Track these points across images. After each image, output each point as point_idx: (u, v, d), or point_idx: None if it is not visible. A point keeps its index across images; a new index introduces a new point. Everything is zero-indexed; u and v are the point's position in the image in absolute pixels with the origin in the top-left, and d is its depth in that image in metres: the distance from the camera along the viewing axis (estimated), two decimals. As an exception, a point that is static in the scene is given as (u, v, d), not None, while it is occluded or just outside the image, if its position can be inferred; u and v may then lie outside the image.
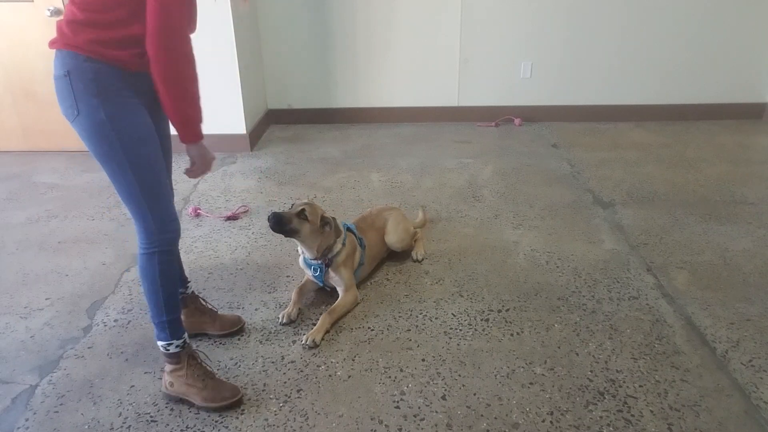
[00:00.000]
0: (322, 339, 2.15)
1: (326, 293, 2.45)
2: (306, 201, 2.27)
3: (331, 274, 2.32)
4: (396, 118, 5.03)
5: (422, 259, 2.72)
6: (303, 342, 2.13)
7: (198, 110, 1.82)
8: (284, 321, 2.26)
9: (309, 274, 2.38)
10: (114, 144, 1.69)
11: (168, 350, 1.83)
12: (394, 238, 2.66)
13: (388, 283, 2.56)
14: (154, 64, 1.64)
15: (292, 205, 2.28)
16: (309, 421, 1.80)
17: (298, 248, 2.36)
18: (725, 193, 3.43)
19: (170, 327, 1.81)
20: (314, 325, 2.22)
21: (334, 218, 2.28)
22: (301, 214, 2.18)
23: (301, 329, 2.24)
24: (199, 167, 1.85)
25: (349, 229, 2.44)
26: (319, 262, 2.30)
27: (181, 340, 1.84)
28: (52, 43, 1.67)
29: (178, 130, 1.78)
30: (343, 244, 2.34)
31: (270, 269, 2.70)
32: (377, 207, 2.84)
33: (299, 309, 2.33)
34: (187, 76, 1.83)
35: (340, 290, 2.35)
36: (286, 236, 2.23)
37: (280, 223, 2.17)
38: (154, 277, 1.77)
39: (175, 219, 1.80)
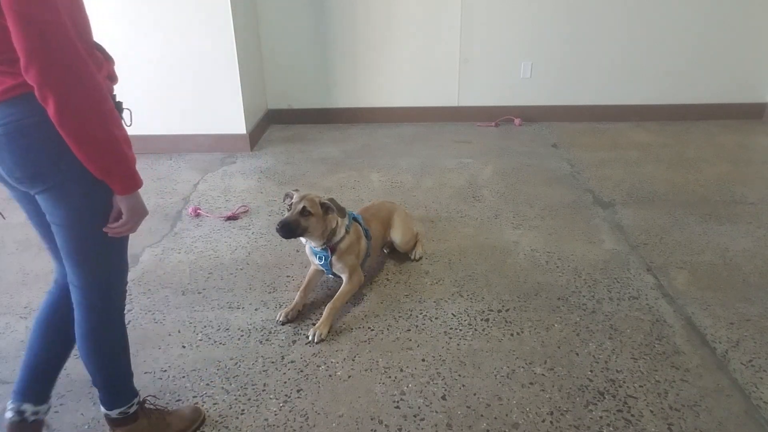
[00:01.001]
0: (329, 332, 2.20)
1: (329, 293, 2.45)
2: (301, 194, 2.23)
3: (335, 261, 2.34)
4: (396, 118, 5.03)
5: (420, 258, 2.73)
6: (310, 338, 2.16)
7: (120, 158, 1.32)
8: (281, 319, 2.27)
9: (315, 262, 2.39)
10: (99, 205, 1.40)
11: (128, 413, 1.63)
12: (399, 237, 2.68)
13: (388, 283, 2.56)
14: (41, 99, 1.18)
15: (285, 198, 2.29)
16: (309, 421, 1.80)
17: (302, 239, 2.35)
18: (725, 193, 3.43)
19: (131, 382, 1.66)
20: (314, 324, 2.22)
21: (331, 199, 2.27)
22: (304, 212, 2.18)
23: (301, 329, 2.24)
24: (125, 223, 1.42)
25: (355, 219, 2.45)
26: (324, 248, 2.31)
27: (137, 394, 1.68)
28: (6, 92, 1.23)
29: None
30: (347, 231, 2.35)
31: (270, 269, 2.69)
32: (378, 200, 2.86)
33: (299, 311, 2.32)
34: (89, 112, 1.23)
35: (344, 276, 2.37)
36: (295, 237, 2.24)
37: (292, 231, 2.18)
38: (122, 340, 1.59)
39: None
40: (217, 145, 4.36)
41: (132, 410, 1.64)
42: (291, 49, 4.81)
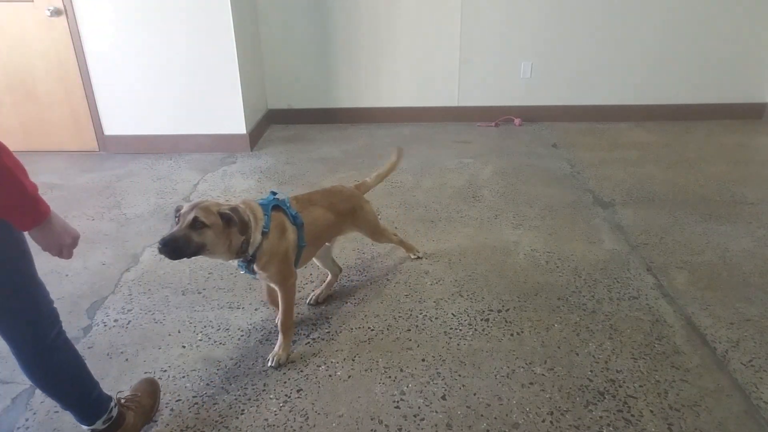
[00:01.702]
0: (288, 357, 2.07)
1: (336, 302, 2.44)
2: (194, 203, 1.79)
3: (258, 270, 1.95)
4: (396, 118, 5.03)
5: (421, 256, 2.73)
6: (269, 363, 2.03)
7: (16, 190, 1.21)
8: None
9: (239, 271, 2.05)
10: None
11: (112, 417, 1.63)
12: (370, 235, 2.51)
13: (388, 283, 2.56)
14: None
15: (176, 213, 1.80)
16: (309, 421, 1.80)
17: (210, 259, 1.96)
18: (725, 193, 3.43)
19: (99, 391, 1.63)
20: (312, 324, 2.22)
21: (235, 208, 1.82)
22: (196, 224, 1.73)
23: (301, 329, 2.24)
24: (52, 250, 1.35)
25: (276, 207, 2.01)
26: (241, 262, 1.95)
27: (113, 399, 1.67)
28: None
29: None
30: (265, 231, 1.92)
31: (270, 269, 2.69)
32: (349, 190, 2.40)
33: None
34: None
35: (275, 286, 2.06)
36: (191, 257, 1.77)
37: (179, 250, 1.71)
38: (73, 357, 1.54)
39: None
40: (217, 145, 4.36)
41: (115, 413, 1.64)
42: (291, 49, 4.81)
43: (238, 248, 1.86)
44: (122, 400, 1.73)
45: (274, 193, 2.07)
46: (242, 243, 1.85)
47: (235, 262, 1.98)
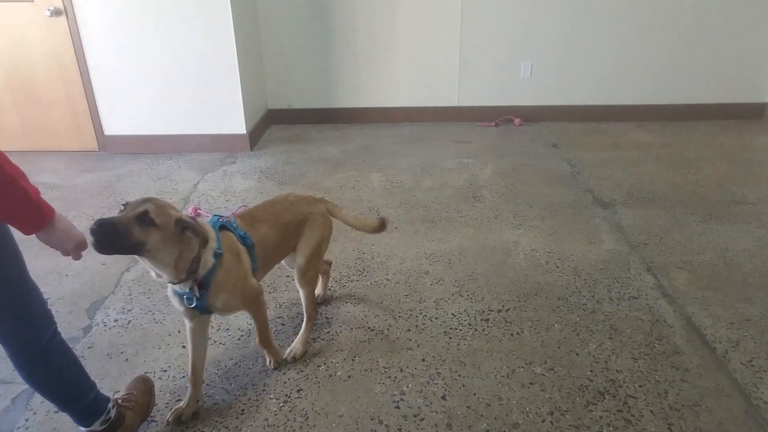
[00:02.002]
0: (285, 360, 2.03)
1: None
2: (148, 197, 1.56)
3: (213, 301, 1.68)
4: (396, 118, 5.03)
5: (295, 359, 2.07)
6: (271, 367, 2.01)
7: (18, 198, 1.26)
8: (171, 419, 1.80)
9: (179, 305, 1.72)
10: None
11: (110, 418, 1.63)
12: (302, 258, 2.01)
13: (388, 283, 2.56)
14: None
15: (124, 206, 1.52)
16: (309, 421, 1.80)
17: (151, 272, 1.60)
18: (725, 193, 3.43)
19: (96, 392, 1.62)
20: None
21: (193, 217, 1.61)
22: (144, 219, 1.47)
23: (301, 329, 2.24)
24: (58, 250, 1.39)
25: (224, 227, 1.80)
26: (189, 289, 1.64)
27: (110, 400, 1.66)
28: None
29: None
30: (217, 255, 1.67)
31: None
32: (295, 194, 2.09)
33: (197, 401, 1.84)
34: None
35: (247, 311, 1.86)
36: (125, 254, 1.50)
37: (114, 240, 1.43)
38: (68, 358, 1.54)
39: None
40: (217, 145, 4.36)
41: (113, 414, 1.64)
42: (291, 49, 4.81)
43: (186, 267, 1.58)
44: (120, 400, 1.73)
45: (218, 215, 1.87)
46: (192, 262, 1.60)
47: (171, 294, 1.69)
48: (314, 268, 2.07)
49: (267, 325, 1.96)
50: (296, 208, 2.01)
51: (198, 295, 1.65)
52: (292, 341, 2.13)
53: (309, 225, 2.03)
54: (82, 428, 1.62)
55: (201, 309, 1.70)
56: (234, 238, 1.79)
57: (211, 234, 1.69)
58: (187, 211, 3.29)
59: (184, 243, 1.56)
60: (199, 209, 3.29)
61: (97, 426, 1.61)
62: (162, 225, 1.49)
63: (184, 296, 1.66)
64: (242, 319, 2.31)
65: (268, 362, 2.03)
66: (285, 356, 2.07)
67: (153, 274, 1.60)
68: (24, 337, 1.44)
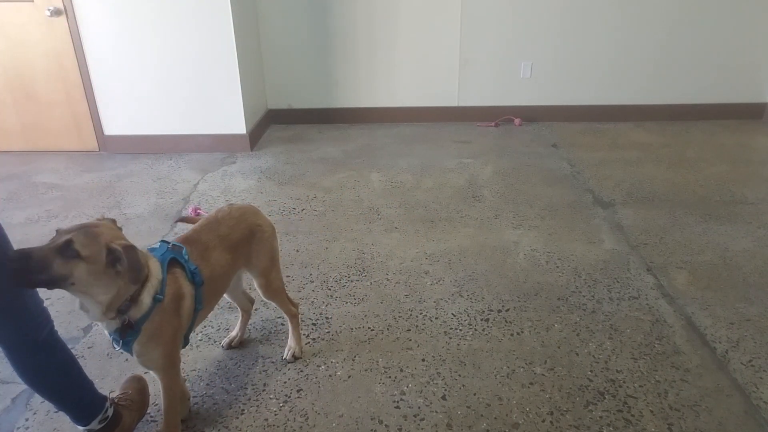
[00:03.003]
0: None
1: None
2: (80, 225, 1.38)
3: (139, 349, 1.49)
4: (396, 118, 5.03)
5: (295, 359, 2.06)
6: None
7: None
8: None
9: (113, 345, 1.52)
10: None
11: (108, 416, 1.62)
12: (260, 276, 1.86)
13: (388, 283, 2.56)
14: None
15: (57, 232, 1.37)
16: (309, 421, 1.80)
17: (76, 303, 1.43)
18: (725, 193, 3.43)
19: (94, 391, 1.61)
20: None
21: (132, 247, 1.40)
22: (67, 250, 1.30)
23: (301, 329, 2.24)
24: None
25: (174, 261, 1.57)
26: (114, 330, 1.45)
27: (108, 399, 1.66)
28: None
29: None
30: (158, 299, 1.47)
31: (270, 269, 2.69)
32: (237, 206, 1.86)
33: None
34: None
35: (157, 375, 1.60)
36: (48, 288, 1.34)
37: (30, 270, 1.28)
38: (65, 357, 1.52)
39: None
40: (217, 145, 4.36)
41: (111, 413, 1.64)
42: (291, 49, 4.81)
43: (118, 305, 1.40)
44: (116, 400, 1.73)
45: (166, 243, 1.61)
46: (126, 301, 1.41)
47: (103, 328, 1.49)
48: (276, 280, 1.92)
49: (176, 406, 1.64)
50: (243, 223, 1.80)
51: (122, 340, 1.46)
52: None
53: (258, 239, 1.83)
54: (80, 427, 1.62)
55: (128, 351, 1.50)
56: (182, 278, 1.56)
57: (155, 271, 1.49)
58: (188, 211, 3.29)
59: (118, 276, 1.37)
60: (199, 209, 3.28)
61: (95, 425, 1.61)
62: (89, 257, 1.32)
63: (112, 337, 1.47)
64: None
65: None
66: (284, 356, 2.06)
67: (77, 304, 1.42)
68: (20, 336, 1.44)
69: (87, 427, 1.61)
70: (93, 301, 1.38)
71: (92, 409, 1.60)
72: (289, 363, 2.05)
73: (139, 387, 1.84)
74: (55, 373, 1.52)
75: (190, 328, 1.65)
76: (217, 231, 1.74)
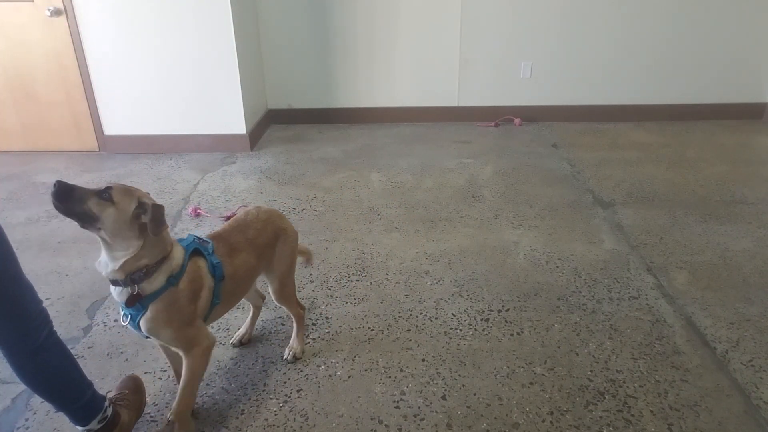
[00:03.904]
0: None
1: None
2: (117, 182, 1.54)
3: (143, 324, 1.54)
4: (396, 118, 5.03)
5: (295, 359, 2.05)
6: None
7: None
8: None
9: (121, 320, 1.60)
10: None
11: (107, 416, 1.62)
12: (276, 281, 1.91)
13: (388, 283, 2.56)
14: None
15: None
16: (309, 421, 1.80)
17: (98, 261, 1.53)
18: (725, 193, 3.43)
19: (93, 391, 1.61)
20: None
21: (160, 206, 1.50)
22: (103, 194, 1.44)
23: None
24: None
25: (197, 252, 1.64)
26: (125, 303, 1.52)
27: (104, 398, 1.66)
28: None
29: None
30: (171, 281, 1.53)
31: (270, 269, 2.69)
32: (264, 209, 1.91)
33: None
34: None
35: (178, 350, 1.64)
36: (80, 224, 1.46)
37: (68, 200, 1.41)
38: (64, 358, 1.53)
39: None
40: (217, 145, 4.36)
41: (110, 413, 1.64)
42: (291, 49, 4.81)
43: (132, 270, 1.48)
44: (114, 399, 1.73)
45: (195, 236, 1.69)
46: (144, 268, 1.49)
47: (115, 297, 1.55)
48: (290, 285, 1.96)
49: (194, 386, 1.66)
50: (270, 226, 1.86)
51: (127, 312, 1.53)
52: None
53: (282, 241, 1.89)
54: (79, 427, 1.62)
55: (137, 330, 1.57)
56: (203, 268, 1.63)
57: (176, 255, 1.56)
58: (188, 211, 3.29)
59: (145, 240, 1.47)
60: (199, 209, 3.29)
61: (94, 425, 1.61)
62: (119, 204, 1.44)
63: (123, 310, 1.55)
64: (242, 319, 2.31)
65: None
66: (285, 356, 2.06)
67: (98, 260, 1.52)
68: (19, 336, 1.44)
69: (86, 428, 1.61)
70: (112, 254, 1.47)
71: (91, 409, 1.60)
72: (289, 363, 2.05)
73: (135, 386, 1.84)
74: (54, 374, 1.52)
75: (205, 318, 1.68)
76: (246, 234, 1.80)
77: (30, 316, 1.45)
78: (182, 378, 1.64)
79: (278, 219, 1.91)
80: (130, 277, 1.48)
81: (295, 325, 2.08)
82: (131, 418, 1.73)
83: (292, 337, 2.10)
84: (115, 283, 1.51)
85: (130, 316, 1.54)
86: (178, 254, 1.57)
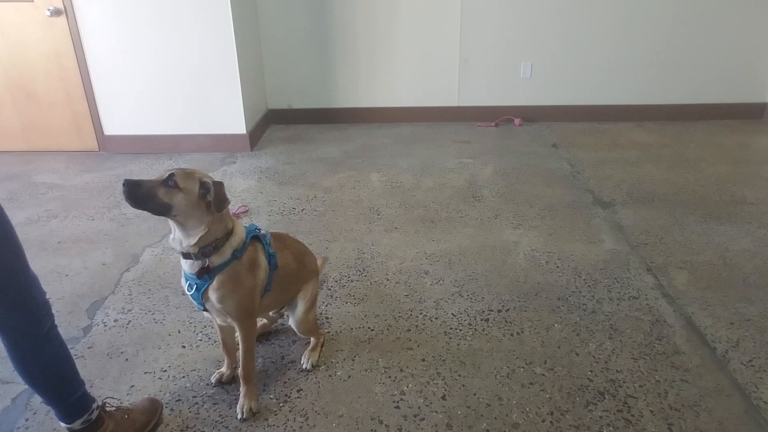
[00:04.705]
0: (258, 404, 1.85)
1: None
2: (179, 168, 1.64)
3: (211, 294, 1.67)
4: (396, 118, 5.03)
5: (313, 367, 2.04)
6: (239, 415, 1.81)
7: None
8: (214, 381, 1.96)
9: (185, 289, 1.73)
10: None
11: (91, 419, 1.61)
12: (302, 310, 1.98)
13: (388, 283, 2.56)
14: None
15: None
16: (309, 421, 1.80)
17: (172, 237, 1.65)
18: (725, 193, 3.43)
19: (84, 389, 1.61)
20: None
21: (220, 182, 1.62)
22: (169, 182, 1.55)
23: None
24: None
25: (256, 238, 1.79)
26: (195, 274, 1.65)
27: (95, 400, 1.65)
28: None
29: None
30: (237, 255, 1.68)
31: (270, 269, 2.69)
32: (308, 251, 2.10)
33: (234, 368, 1.96)
34: None
35: (229, 320, 1.77)
36: (152, 213, 1.58)
37: (139, 198, 1.53)
38: (63, 352, 1.55)
39: None
40: (217, 145, 4.36)
41: (95, 416, 1.63)
42: (291, 49, 4.81)
43: (206, 243, 1.61)
44: (107, 407, 1.71)
45: (258, 228, 1.84)
46: (213, 242, 1.62)
47: (185, 269, 1.68)
48: (312, 318, 2.03)
49: (253, 352, 1.83)
50: (309, 260, 2.06)
51: (193, 283, 1.66)
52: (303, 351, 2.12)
53: (310, 281, 2.03)
54: (63, 424, 1.62)
55: (197, 301, 1.70)
56: (261, 252, 1.79)
57: (240, 232, 1.71)
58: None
59: (213, 216, 1.61)
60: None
61: (77, 425, 1.61)
62: (186, 188, 1.56)
63: (188, 281, 1.69)
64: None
65: (239, 410, 1.81)
66: (302, 364, 2.03)
67: (172, 237, 1.64)
68: (26, 326, 1.45)
69: (70, 426, 1.61)
70: (187, 233, 1.60)
71: (79, 408, 1.61)
72: (309, 371, 2.02)
73: (146, 407, 1.79)
74: (52, 366, 1.53)
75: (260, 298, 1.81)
76: (296, 246, 2.02)
77: (37, 305, 1.47)
78: (241, 348, 1.81)
79: (313, 262, 2.10)
80: (202, 251, 1.61)
81: (314, 341, 2.10)
82: (117, 429, 1.68)
83: (311, 348, 2.07)
84: (186, 256, 1.64)
85: (195, 286, 1.67)
86: (240, 231, 1.72)
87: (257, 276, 1.75)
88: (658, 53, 4.73)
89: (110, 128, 4.34)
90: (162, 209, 1.55)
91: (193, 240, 1.59)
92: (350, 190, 3.61)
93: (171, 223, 1.61)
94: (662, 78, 4.81)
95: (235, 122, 4.29)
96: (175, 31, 4.02)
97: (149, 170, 4.00)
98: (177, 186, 1.55)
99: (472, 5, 4.61)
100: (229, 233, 1.67)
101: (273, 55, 4.84)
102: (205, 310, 1.73)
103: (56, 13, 3.96)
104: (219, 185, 1.61)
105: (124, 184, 1.52)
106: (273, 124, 5.05)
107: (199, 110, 4.26)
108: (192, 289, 1.68)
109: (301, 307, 1.98)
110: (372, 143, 4.53)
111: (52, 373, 1.54)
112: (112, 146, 4.39)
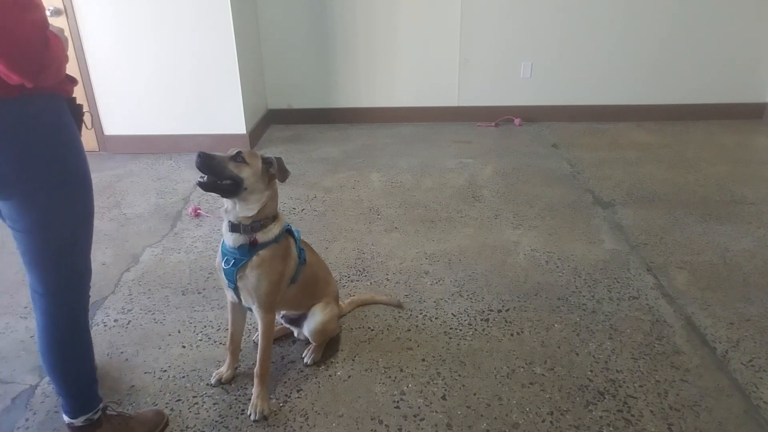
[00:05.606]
0: (270, 406, 1.84)
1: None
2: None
3: (249, 271, 1.74)
4: (396, 118, 5.03)
5: (312, 364, 2.06)
6: (250, 416, 1.80)
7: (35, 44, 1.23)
8: (213, 382, 1.96)
9: (220, 264, 1.79)
10: (66, 210, 1.52)
11: (93, 419, 1.61)
12: (318, 319, 1.99)
13: (388, 283, 2.56)
14: None
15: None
16: (309, 421, 1.80)
17: (225, 209, 1.74)
18: (725, 193, 3.43)
19: (97, 387, 1.62)
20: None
21: (280, 159, 1.78)
22: (237, 158, 1.69)
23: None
24: None
25: (289, 232, 1.89)
26: (237, 249, 1.73)
27: (102, 400, 1.66)
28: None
29: None
30: (278, 239, 1.78)
31: (270, 269, 2.69)
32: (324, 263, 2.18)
33: (235, 368, 1.99)
34: None
35: (254, 308, 1.81)
36: (222, 193, 1.69)
37: (213, 169, 1.65)
38: (83, 341, 1.56)
39: None
40: (217, 145, 4.35)
41: (97, 416, 1.63)
42: (291, 49, 4.81)
43: (264, 215, 1.73)
44: (107, 410, 1.70)
45: (289, 225, 1.92)
46: (263, 219, 1.74)
47: (229, 244, 1.75)
48: (329, 331, 2.05)
49: (270, 348, 1.87)
50: (330, 280, 2.13)
51: (232, 257, 1.74)
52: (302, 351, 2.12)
53: (325, 300, 2.06)
54: (66, 418, 1.62)
55: (229, 278, 1.76)
56: (293, 244, 1.89)
57: (282, 220, 1.83)
58: (187, 211, 3.30)
59: (271, 186, 1.75)
60: (199, 209, 3.29)
61: (80, 421, 1.61)
62: (252, 163, 1.70)
63: (226, 257, 1.75)
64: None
65: (251, 409, 1.82)
66: (304, 359, 2.04)
67: (225, 208, 1.73)
68: (72, 312, 1.51)
69: (72, 420, 1.61)
70: (248, 206, 1.70)
71: (87, 405, 1.61)
72: (308, 366, 2.03)
73: (148, 418, 1.76)
74: (80, 358, 1.56)
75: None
76: (317, 256, 2.10)
77: (87, 294, 1.54)
78: (259, 345, 1.84)
79: (334, 288, 2.16)
80: (252, 225, 1.71)
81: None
82: None
83: (314, 348, 2.07)
84: (235, 229, 1.72)
85: (234, 261, 1.73)
86: (282, 219, 1.84)
87: (288, 265, 1.84)
88: (658, 53, 4.73)
89: (110, 128, 4.34)
90: (233, 180, 1.66)
91: (253, 212, 1.70)
92: (350, 190, 3.61)
93: (229, 202, 1.71)
94: (662, 78, 4.81)
95: (235, 122, 4.29)
96: (175, 31, 4.02)
97: (149, 170, 4.00)
98: (245, 161, 1.68)
99: (472, 5, 4.61)
100: (275, 217, 1.79)
101: (273, 55, 4.84)
102: (235, 288, 1.77)
103: (56, 12, 3.96)
104: (279, 159, 1.77)
105: (198, 156, 1.62)
106: (273, 124, 5.05)
107: (199, 110, 4.26)
108: (229, 264, 1.74)
109: (319, 316, 1.99)
110: (372, 143, 4.53)
111: (76, 363, 1.56)
112: (112, 146, 4.39)
